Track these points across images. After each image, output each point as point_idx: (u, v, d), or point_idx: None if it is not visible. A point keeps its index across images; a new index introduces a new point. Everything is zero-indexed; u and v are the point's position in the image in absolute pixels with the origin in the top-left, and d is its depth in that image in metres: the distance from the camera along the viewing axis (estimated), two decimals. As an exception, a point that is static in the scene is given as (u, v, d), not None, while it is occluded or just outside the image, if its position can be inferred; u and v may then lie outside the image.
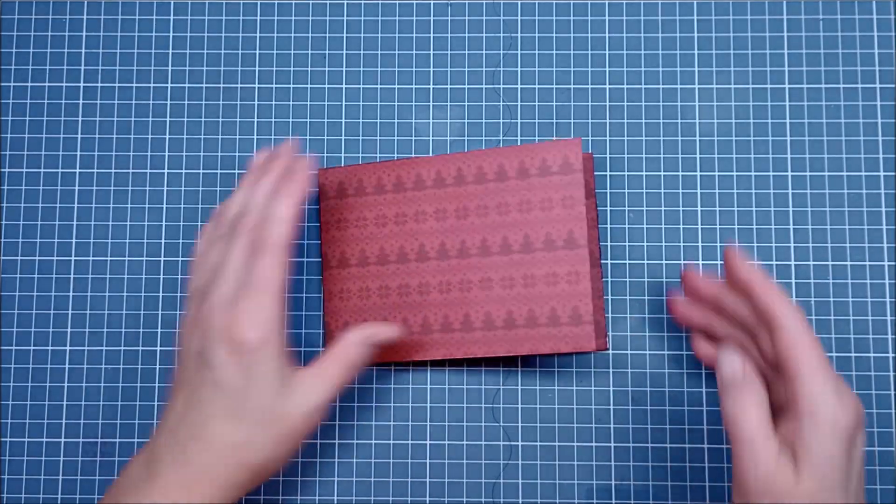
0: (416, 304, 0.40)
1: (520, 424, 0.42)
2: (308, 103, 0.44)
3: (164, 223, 0.44)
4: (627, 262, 0.43)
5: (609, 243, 0.43)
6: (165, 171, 0.44)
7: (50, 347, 0.43)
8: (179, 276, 0.43)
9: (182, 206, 0.44)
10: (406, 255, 0.41)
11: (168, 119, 0.44)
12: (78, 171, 0.44)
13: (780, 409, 0.34)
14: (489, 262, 0.40)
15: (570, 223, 0.39)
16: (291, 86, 0.44)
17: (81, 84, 0.45)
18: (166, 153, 0.44)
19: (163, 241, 0.44)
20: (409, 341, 0.41)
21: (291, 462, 0.42)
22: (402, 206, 0.41)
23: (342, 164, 0.43)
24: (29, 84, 0.45)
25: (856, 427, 0.32)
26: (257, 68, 0.45)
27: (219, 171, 0.44)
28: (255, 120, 0.44)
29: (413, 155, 0.42)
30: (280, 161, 0.38)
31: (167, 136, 0.44)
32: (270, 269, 0.34)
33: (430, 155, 0.41)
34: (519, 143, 0.43)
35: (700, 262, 0.42)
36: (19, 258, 0.44)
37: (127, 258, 0.43)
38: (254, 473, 0.34)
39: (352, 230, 0.41)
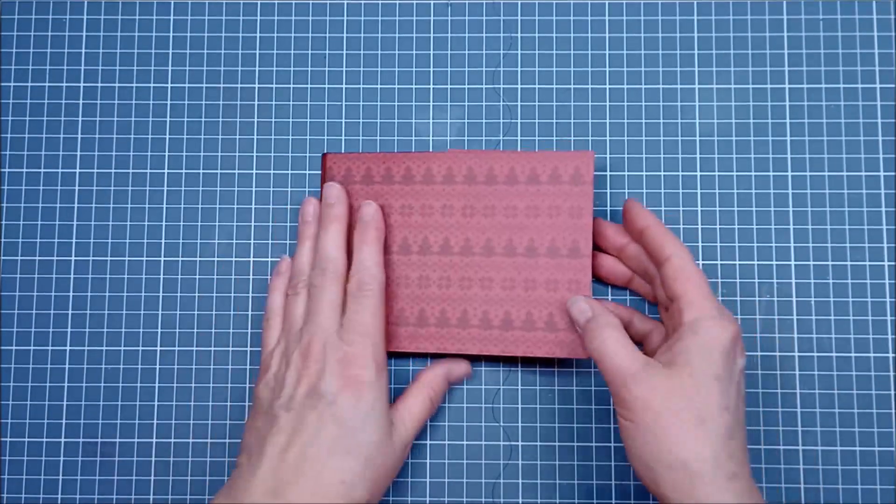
0: (414, 296, 0.40)
1: (520, 424, 0.42)
2: (308, 103, 0.44)
3: (164, 223, 0.44)
4: (627, 262, 0.43)
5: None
6: (165, 171, 0.44)
7: (50, 347, 0.43)
8: (179, 276, 0.43)
9: (182, 206, 0.44)
10: (409, 246, 0.41)
11: (168, 119, 0.44)
12: (78, 171, 0.44)
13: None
14: (492, 262, 0.40)
15: (575, 233, 0.39)
16: (291, 86, 0.44)
17: (81, 84, 0.45)
18: (166, 153, 0.44)
19: (163, 241, 0.44)
20: (403, 332, 0.40)
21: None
22: (408, 198, 0.41)
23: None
24: (29, 84, 0.45)
25: (734, 343, 0.34)
26: (257, 68, 0.45)
27: (219, 171, 0.44)
28: (255, 120, 0.44)
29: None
30: (336, 209, 0.40)
31: (167, 136, 0.44)
32: (372, 315, 0.37)
33: (443, 151, 0.41)
34: (519, 144, 0.43)
35: (700, 261, 0.42)
36: (19, 258, 0.44)
37: (127, 258, 0.43)
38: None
39: (355, 217, 0.41)
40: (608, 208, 0.43)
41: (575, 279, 0.39)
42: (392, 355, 0.42)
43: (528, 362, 0.42)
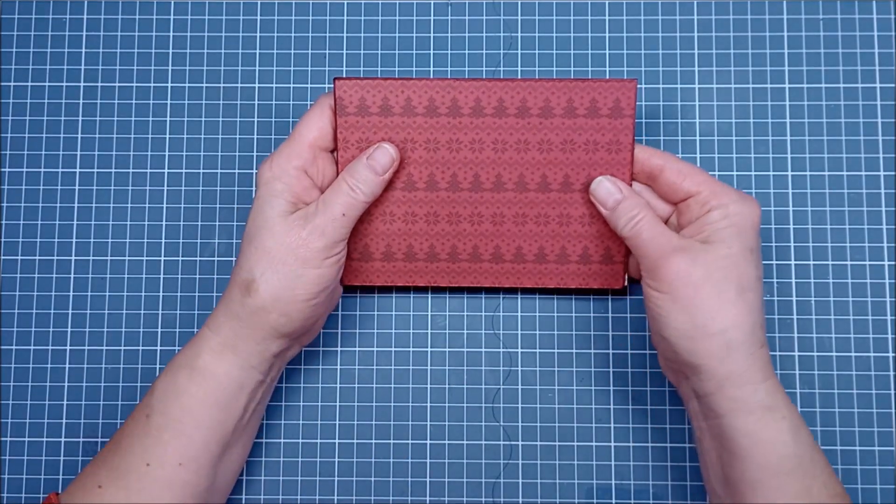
0: (444, 233, 0.40)
1: (520, 424, 0.42)
2: (308, 103, 0.44)
3: (164, 223, 0.44)
4: (627, 261, 0.43)
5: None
6: (165, 170, 0.44)
7: (50, 347, 0.43)
8: (179, 276, 0.43)
9: (182, 205, 0.44)
10: (436, 183, 0.39)
11: (168, 119, 0.44)
12: (78, 171, 0.44)
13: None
14: (525, 198, 0.39)
15: (612, 168, 0.38)
16: (291, 86, 0.44)
17: (81, 84, 0.45)
18: (166, 153, 0.44)
19: (163, 241, 0.44)
20: (435, 267, 0.40)
21: (290, 461, 0.42)
22: (434, 132, 0.38)
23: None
24: (29, 84, 0.45)
25: (759, 220, 0.36)
26: (257, 68, 0.45)
27: (219, 171, 0.44)
28: (255, 120, 0.44)
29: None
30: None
31: (167, 136, 0.44)
32: (302, 120, 0.38)
33: (468, 79, 0.39)
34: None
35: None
36: (19, 258, 0.44)
37: (127, 258, 0.43)
38: (249, 297, 0.35)
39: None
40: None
41: None
42: (430, 291, 0.42)
43: (529, 357, 0.42)
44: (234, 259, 0.43)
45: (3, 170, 0.44)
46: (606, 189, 0.37)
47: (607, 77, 0.40)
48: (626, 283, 0.40)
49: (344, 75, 0.42)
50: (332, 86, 0.39)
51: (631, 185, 0.38)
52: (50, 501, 0.35)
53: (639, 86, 0.44)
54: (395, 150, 0.38)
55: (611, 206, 0.37)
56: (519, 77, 0.44)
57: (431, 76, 0.44)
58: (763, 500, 0.33)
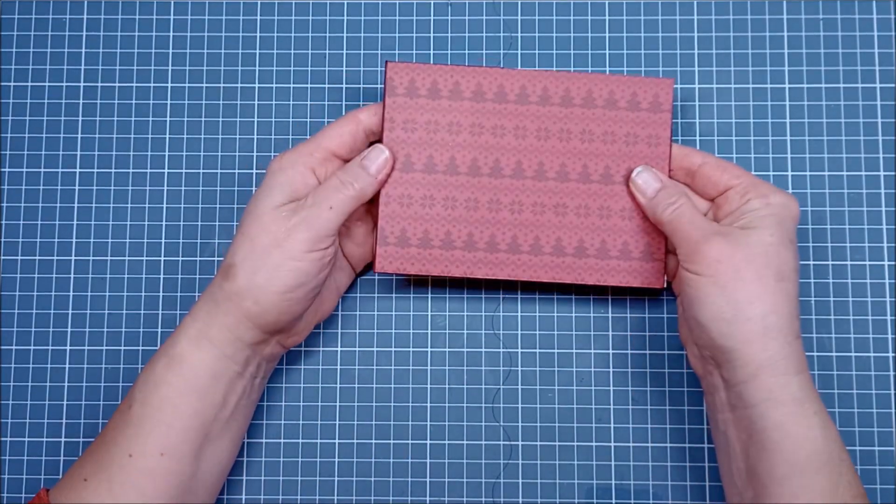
0: (484, 220, 0.39)
1: (520, 424, 0.42)
2: (308, 103, 0.44)
3: (164, 223, 0.44)
4: (627, 261, 0.43)
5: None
6: (165, 170, 0.44)
7: (50, 347, 0.43)
8: (179, 276, 0.43)
9: (182, 205, 0.44)
10: (479, 168, 0.39)
11: (168, 119, 0.44)
12: (78, 171, 0.44)
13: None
14: (566, 187, 0.39)
15: (651, 162, 0.39)
16: (291, 86, 0.44)
17: (81, 84, 0.45)
18: (166, 153, 0.44)
19: (163, 241, 0.44)
20: (472, 257, 0.39)
21: (290, 461, 0.42)
22: (479, 116, 0.39)
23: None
24: (29, 84, 0.45)
25: (798, 214, 0.36)
26: (257, 68, 0.45)
27: (219, 171, 0.44)
28: (255, 120, 0.44)
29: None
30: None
31: (167, 136, 0.44)
32: (327, 126, 0.38)
33: (516, 68, 0.40)
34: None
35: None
36: (19, 258, 0.44)
37: (127, 258, 0.43)
38: (229, 283, 0.35)
39: (420, 133, 0.39)
40: (608, 208, 0.43)
41: None
42: (460, 285, 0.43)
43: (529, 356, 0.42)
44: (234, 259, 0.43)
45: (3, 170, 0.44)
46: (645, 179, 0.38)
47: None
48: (665, 284, 0.39)
49: (344, 98, 0.43)
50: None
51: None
52: (40, 498, 0.35)
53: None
54: (388, 152, 0.38)
55: (650, 194, 0.38)
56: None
57: None
58: (790, 496, 0.32)
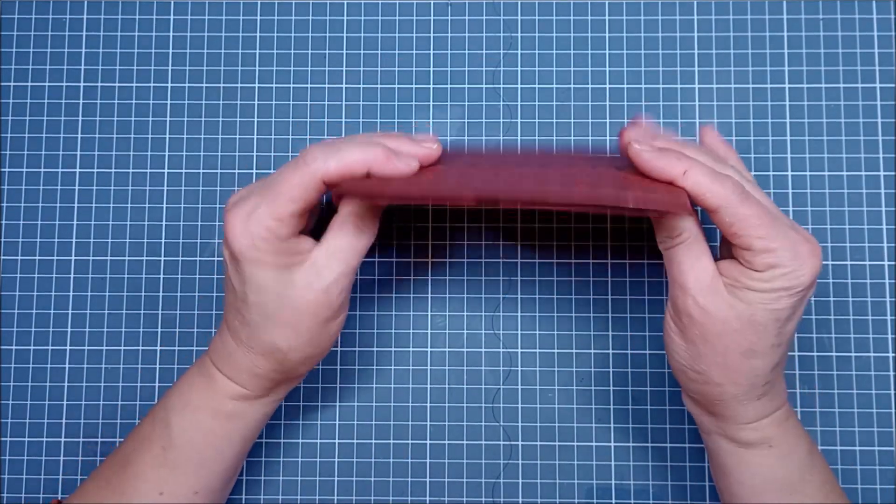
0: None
1: (520, 424, 0.42)
2: (308, 103, 0.44)
3: (164, 223, 0.44)
4: (628, 261, 0.43)
5: (609, 243, 0.43)
6: (165, 170, 0.44)
7: (50, 347, 0.43)
8: (179, 276, 0.43)
9: (182, 205, 0.44)
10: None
11: (168, 119, 0.44)
12: (78, 171, 0.44)
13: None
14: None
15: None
16: (291, 86, 0.44)
17: (81, 84, 0.45)
18: (166, 153, 0.44)
19: (163, 241, 0.44)
20: (457, 171, 0.33)
21: (290, 461, 0.42)
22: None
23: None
24: (29, 84, 0.45)
25: (811, 285, 0.31)
26: (257, 68, 0.45)
27: (219, 171, 0.44)
28: (255, 120, 0.44)
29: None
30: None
31: (167, 136, 0.44)
32: (282, 181, 0.32)
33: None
34: (519, 144, 0.43)
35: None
36: (19, 258, 0.44)
37: (127, 258, 0.43)
38: (279, 363, 0.34)
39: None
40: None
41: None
42: (460, 285, 0.42)
43: (529, 355, 0.42)
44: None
45: (3, 170, 0.44)
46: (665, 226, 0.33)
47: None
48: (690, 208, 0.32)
49: (344, 98, 0.43)
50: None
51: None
52: None
53: (639, 86, 0.44)
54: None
55: (676, 232, 0.32)
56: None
57: (430, 82, 0.44)
58: None
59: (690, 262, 0.32)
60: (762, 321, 0.31)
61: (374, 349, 0.43)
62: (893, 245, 0.42)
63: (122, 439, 0.42)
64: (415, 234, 0.43)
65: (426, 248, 0.43)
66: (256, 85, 0.44)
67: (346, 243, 0.33)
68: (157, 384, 0.43)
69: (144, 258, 0.43)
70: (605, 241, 0.43)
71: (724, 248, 0.35)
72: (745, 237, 0.31)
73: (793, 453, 0.34)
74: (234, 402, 0.35)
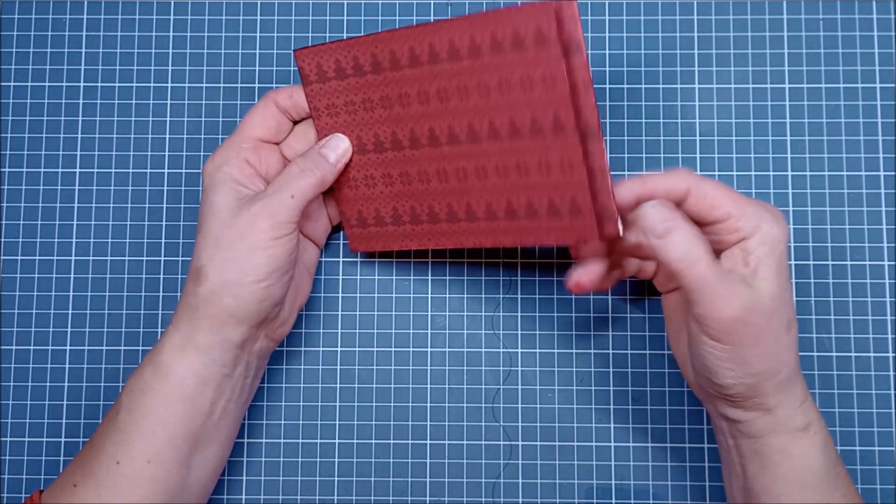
0: (419, 193, 0.39)
1: (520, 424, 0.42)
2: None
3: (164, 223, 0.44)
4: (627, 261, 0.43)
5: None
6: (165, 170, 0.44)
7: (50, 347, 0.43)
8: (179, 276, 0.43)
9: (182, 205, 0.44)
10: (399, 141, 0.38)
11: (168, 119, 0.44)
12: (78, 171, 0.44)
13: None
14: (480, 148, 0.36)
15: (553, 105, 0.33)
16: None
17: (81, 84, 0.45)
18: (166, 153, 0.44)
19: (163, 241, 0.44)
20: (420, 230, 0.39)
21: (290, 461, 0.42)
22: (384, 88, 0.37)
23: None
24: (29, 84, 0.45)
25: (787, 235, 0.34)
26: (257, 68, 0.45)
27: (219, 171, 0.44)
28: (255, 120, 0.44)
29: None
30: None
31: (167, 136, 0.44)
32: (246, 116, 0.38)
33: (401, 28, 0.36)
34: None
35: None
36: (19, 258, 0.44)
37: (127, 258, 0.43)
38: (198, 284, 0.35)
39: (343, 116, 0.39)
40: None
41: (566, 159, 0.33)
42: (460, 286, 0.42)
43: (528, 354, 0.42)
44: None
45: (3, 170, 0.44)
46: (658, 213, 0.32)
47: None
48: (617, 231, 0.33)
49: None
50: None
51: (576, 127, 0.33)
52: (32, 499, 0.35)
53: (639, 86, 0.44)
54: (347, 140, 0.39)
55: (661, 233, 0.32)
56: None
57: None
58: None
59: (718, 270, 0.32)
60: (785, 286, 0.33)
61: (374, 349, 0.43)
62: (893, 245, 0.42)
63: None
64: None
65: (426, 248, 0.43)
66: (256, 85, 0.44)
67: (284, 179, 0.36)
68: (157, 384, 0.43)
69: (144, 258, 0.43)
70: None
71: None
72: (722, 205, 0.33)
73: (830, 442, 0.34)
74: (168, 353, 0.35)
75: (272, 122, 0.39)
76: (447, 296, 0.43)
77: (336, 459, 0.42)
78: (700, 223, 0.34)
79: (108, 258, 0.43)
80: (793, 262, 0.42)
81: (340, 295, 0.43)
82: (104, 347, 0.43)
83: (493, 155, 0.36)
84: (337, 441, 0.42)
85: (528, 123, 0.34)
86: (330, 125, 0.39)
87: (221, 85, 0.44)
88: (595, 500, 0.41)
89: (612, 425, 0.42)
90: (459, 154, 0.37)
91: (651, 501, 0.41)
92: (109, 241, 0.44)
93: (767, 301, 0.32)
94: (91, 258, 0.43)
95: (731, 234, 0.33)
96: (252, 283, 0.35)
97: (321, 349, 0.43)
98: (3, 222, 0.44)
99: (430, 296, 0.43)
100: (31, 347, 0.43)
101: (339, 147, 0.39)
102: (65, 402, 0.43)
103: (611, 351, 0.42)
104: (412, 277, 0.43)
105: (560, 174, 0.34)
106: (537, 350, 0.42)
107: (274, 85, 0.44)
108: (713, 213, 0.33)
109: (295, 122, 0.40)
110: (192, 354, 0.35)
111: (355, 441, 0.42)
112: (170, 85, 0.45)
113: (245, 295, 0.35)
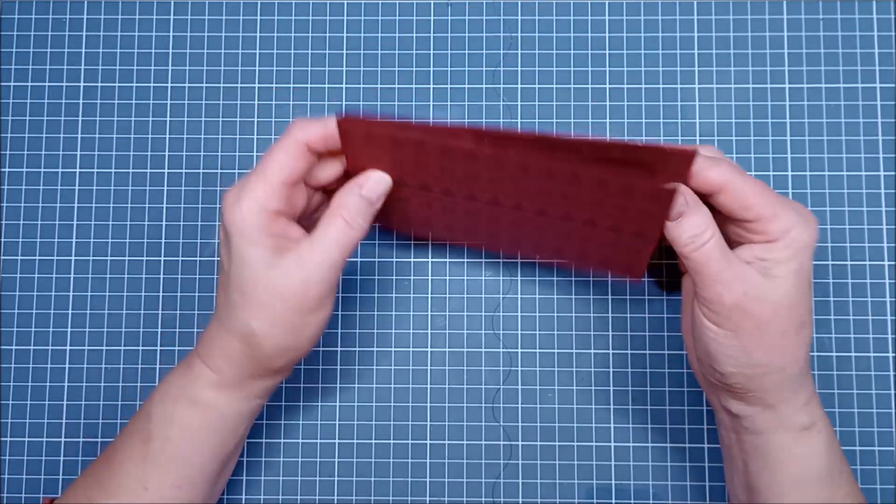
0: (462, 215, 0.37)
1: (520, 424, 0.42)
2: (308, 103, 0.44)
3: (164, 223, 0.44)
4: (627, 261, 0.43)
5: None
6: (165, 170, 0.44)
7: (50, 347, 0.43)
8: (179, 276, 0.43)
9: (182, 205, 0.44)
10: (450, 191, 0.35)
11: (168, 119, 0.44)
12: (78, 171, 0.44)
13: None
14: (544, 220, 0.35)
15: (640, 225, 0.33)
16: (291, 86, 0.44)
17: (81, 84, 0.45)
18: (166, 153, 0.44)
19: (163, 240, 0.44)
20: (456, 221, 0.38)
21: (290, 461, 0.42)
22: (447, 178, 0.34)
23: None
24: (29, 84, 0.45)
25: (815, 241, 0.33)
26: (257, 68, 0.45)
27: (219, 171, 0.44)
28: (255, 120, 0.44)
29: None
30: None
31: (167, 136, 0.44)
32: (271, 156, 0.33)
33: (481, 128, 0.32)
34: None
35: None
36: (19, 258, 0.44)
37: (127, 258, 0.43)
38: (252, 348, 0.34)
39: (385, 164, 0.35)
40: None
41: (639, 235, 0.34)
42: (460, 285, 0.42)
43: (529, 356, 0.42)
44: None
45: (3, 170, 0.44)
46: (696, 224, 0.32)
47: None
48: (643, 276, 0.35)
49: (344, 98, 0.43)
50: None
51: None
52: None
53: (639, 86, 0.44)
54: (388, 178, 0.35)
55: (673, 217, 0.32)
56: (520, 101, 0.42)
57: (430, 82, 0.44)
58: None
59: (725, 255, 0.32)
60: (803, 289, 0.32)
61: (374, 349, 0.43)
62: (893, 245, 0.42)
63: (122, 439, 0.42)
64: (415, 234, 0.43)
65: (426, 248, 0.43)
66: (256, 85, 0.44)
67: (332, 237, 0.33)
68: (156, 384, 0.42)
69: (144, 258, 0.43)
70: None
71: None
72: (754, 207, 0.32)
73: (834, 441, 0.34)
74: (207, 392, 0.35)
75: (302, 163, 0.34)
76: (447, 296, 0.43)
77: (336, 459, 0.42)
78: (728, 217, 0.33)
79: (108, 258, 0.43)
80: (793, 262, 0.42)
81: (340, 295, 0.43)
82: (104, 347, 0.43)
83: (558, 226, 0.35)
84: (337, 441, 0.42)
85: (608, 223, 0.34)
86: (365, 156, 0.35)
87: (221, 85, 0.44)
88: (595, 500, 0.41)
89: (612, 425, 0.42)
90: (520, 218, 0.35)
91: (651, 501, 0.41)
92: (109, 241, 0.44)
93: (779, 297, 0.32)
94: (91, 258, 0.43)
95: (758, 235, 0.32)
96: (308, 345, 0.35)
97: (321, 349, 0.43)
98: (3, 222, 0.44)
99: (430, 296, 0.43)
100: (31, 347, 0.43)
101: (379, 187, 0.35)
102: (65, 402, 0.43)
103: (611, 351, 0.42)
104: (412, 278, 0.43)
105: (627, 239, 0.34)
106: (537, 350, 0.42)
107: (273, 85, 0.44)
108: (744, 213, 0.32)
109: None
110: (237, 395, 0.35)
111: (355, 441, 0.42)
112: (170, 85, 0.45)
113: (300, 355, 0.35)
